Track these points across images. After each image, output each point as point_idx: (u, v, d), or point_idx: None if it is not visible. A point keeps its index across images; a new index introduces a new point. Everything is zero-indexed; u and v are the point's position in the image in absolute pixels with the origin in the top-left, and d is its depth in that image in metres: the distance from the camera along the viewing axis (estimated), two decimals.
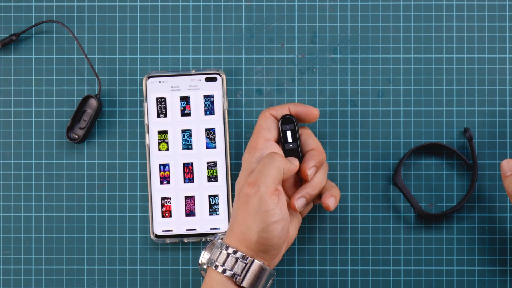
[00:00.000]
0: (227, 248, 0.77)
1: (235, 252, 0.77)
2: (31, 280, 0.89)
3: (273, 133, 0.82)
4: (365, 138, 0.89)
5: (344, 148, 0.89)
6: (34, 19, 0.90)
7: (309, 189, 0.81)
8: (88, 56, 0.90)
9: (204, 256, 0.81)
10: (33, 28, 0.90)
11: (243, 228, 0.77)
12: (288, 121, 0.82)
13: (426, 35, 0.90)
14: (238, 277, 0.77)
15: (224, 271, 0.77)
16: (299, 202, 0.80)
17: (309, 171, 0.81)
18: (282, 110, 0.83)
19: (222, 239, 0.81)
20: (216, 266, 0.77)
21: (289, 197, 0.83)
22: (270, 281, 0.79)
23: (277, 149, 0.82)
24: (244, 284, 0.77)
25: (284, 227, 0.77)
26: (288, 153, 0.82)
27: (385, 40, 0.90)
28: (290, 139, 0.82)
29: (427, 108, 0.89)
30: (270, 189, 0.76)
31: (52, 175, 0.90)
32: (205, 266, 0.80)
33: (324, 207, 0.81)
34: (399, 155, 0.89)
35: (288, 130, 0.82)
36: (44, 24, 0.90)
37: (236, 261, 0.77)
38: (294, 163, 0.81)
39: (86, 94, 0.90)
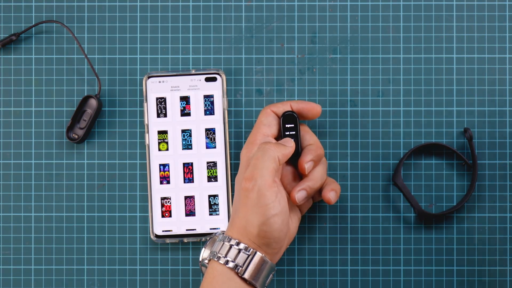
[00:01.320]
0: (229, 240, 0.77)
1: (237, 244, 0.77)
2: (31, 280, 0.89)
3: (272, 130, 0.82)
4: (365, 138, 0.89)
5: (344, 148, 0.89)
6: (34, 19, 0.90)
7: (310, 183, 0.81)
8: (88, 56, 0.90)
9: (204, 253, 0.81)
10: (33, 28, 0.90)
11: (244, 222, 0.77)
12: (289, 118, 0.82)
13: (426, 35, 0.90)
14: (240, 268, 0.77)
15: (226, 262, 0.77)
16: (299, 194, 0.81)
17: (307, 165, 0.81)
18: (284, 107, 0.83)
19: (223, 234, 0.81)
20: (219, 258, 0.77)
21: (288, 193, 0.83)
22: (271, 276, 0.79)
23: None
24: (246, 275, 0.77)
25: (284, 220, 0.77)
26: None
27: (385, 40, 0.90)
28: (290, 136, 0.83)
29: (427, 108, 0.89)
30: (268, 181, 0.76)
31: (52, 175, 0.90)
32: (206, 261, 0.80)
33: (325, 201, 0.81)
34: (399, 155, 0.89)
35: (289, 126, 0.82)
36: (44, 24, 0.90)
37: (239, 252, 0.77)
38: (289, 144, 0.80)
39: (86, 94, 0.90)
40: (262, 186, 0.76)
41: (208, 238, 0.88)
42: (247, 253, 0.77)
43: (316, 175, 0.82)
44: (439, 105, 0.89)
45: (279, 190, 0.78)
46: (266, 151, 0.78)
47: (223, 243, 0.78)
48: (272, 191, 0.77)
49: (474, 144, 0.89)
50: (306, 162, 0.81)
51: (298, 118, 0.82)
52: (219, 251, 0.78)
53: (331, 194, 0.81)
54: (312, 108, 0.83)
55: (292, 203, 0.82)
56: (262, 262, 0.77)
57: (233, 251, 0.77)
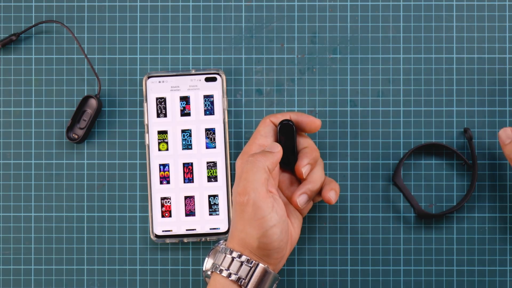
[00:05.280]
0: (231, 252, 0.77)
1: (239, 256, 0.77)
2: (31, 280, 0.89)
3: (269, 140, 0.82)
4: (365, 138, 0.89)
5: (344, 148, 0.89)
6: (34, 19, 0.90)
7: (310, 185, 0.81)
8: (88, 56, 0.90)
9: (207, 263, 0.81)
10: (33, 28, 0.90)
11: (243, 235, 0.77)
12: (286, 127, 0.82)
13: (426, 35, 0.90)
14: (243, 280, 0.77)
15: (229, 275, 0.77)
16: (301, 198, 0.80)
17: (304, 169, 0.81)
18: (283, 117, 0.83)
19: (224, 244, 0.81)
20: (221, 271, 0.77)
21: (288, 198, 0.83)
22: (275, 285, 0.79)
23: None
24: (249, 287, 0.77)
25: (283, 229, 0.77)
26: (284, 157, 0.82)
27: (385, 40, 0.90)
28: (287, 145, 0.82)
29: (427, 108, 0.89)
30: (261, 193, 0.76)
31: (52, 175, 0.90)
32: (209, 273, 0.80)
33: (326, 201, 0.81)
34: (399, 155, 0.89)
35: (286, 135, 0.82)
36: (44, 24, 0.90)
37: (241, 265, 0.77)
38: (275, 150, 0.79)
39: (86, 94, 0.90)
40: (256, 199, 0.76)
41: (208, 239, 0.88)
42: (249, 265, 0.77)
43: (315, 177, 0.81)
44: (439, 105, 0.89)
45: (274, 200, 0.77)
46: (255, 163, 0.77)
47: (225, 256, 0.78)
48: (268, 202, 0.76)
49: (474, 144, 0.89)
50: (302, 167, 0.81)
51: (295, 126, 0.82)
52: (221, 263, 0.77)
53: (331, 194, 0.81)
54: (311, 122, 0.82)
55: (291, 208, 0.82)
56: (264, 273, 0.77)
57: (235, 263, 0.77)
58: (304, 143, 0.83)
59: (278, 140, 0.82)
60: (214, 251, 0.82)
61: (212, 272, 0.79)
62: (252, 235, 0.76)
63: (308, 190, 0.81)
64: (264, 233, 0.76)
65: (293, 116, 0.83)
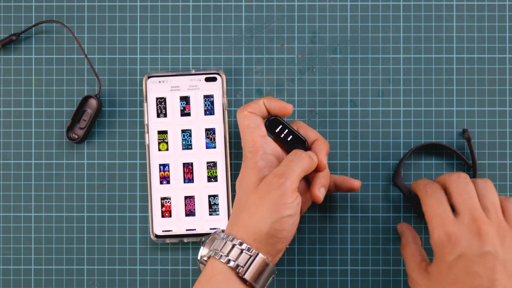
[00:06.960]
0: (232, 239, 0.77)
1: (240, 244, 0.77)
2: (31, 280, 0.89)
3: (262, 130, 0.82)
4: (365, 138, 0.89)
5: (344, 148, 0.89)
6: (34, 19, 0.90)
7: (325, 178, 0.82)
8: (88, 56, 0.90)
9: (203, 251, 0.81)
10: (33, 28, 0.90)
11: (254, 220, 0.77)
12: (274, 122, 0.82)
13: (426, 35, 0.90)
14: (241, 268, 0.77)
15: (228, 261, 0.77)
16: (321, 191, 0.81)
17: (325, 161, 0.82)
18: (258, 106, 0.82)
19: (223, 231, 0.81)
20: (220, 256, 0.77)
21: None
22: (271, 279, 0.79)
23: (274, 144, 0.82)
24: (246, 276, 0.77)
25: (295, 222, 0.78)
26: (292, 146, 0.82)
27: (385, 40, 0.90)
28: (287, 135, 0.82)
29: (427, 108, 0.89)
30: (294, 184, 0.78)
31: (52, 175, 0.90)
32: (205, 258, 0.80)
33: (351, 190, 0.85)
34: (399, 155, 0.89)
35: (279, 129, 0.82)
36: (44, 24, 0.90)
37: (241, 252, 0.77)
38: (315, 159, 0.82)
39: (86, 94, 0.90)
40: (288, 186, 0.77)
41: (206, 237, 0.88)
42: (249, 253, 0.77)
43: (327, 169, 0.83)
44: (439, 105, 0.89)
45: (298, 195, 0.79)
46: (301, 159, 0.79)
47: (226, 242, 0.78)
48: (294, 194, 0.78)
49: (473, 144, 0.89)
50: (324, 158, 0.82)
51: (281, 118, 0.82)
52: (221, 249, 0.77)
53: (356, 183, 0.84)
54: (283, 108, 0.82)
55: None
56: (264, 264, 0.77)
57: (236, 250, 0.77)
58: (313, 135, 0.83)
59: (275, 136, 0.82)
60: (211, 239, 0.81)
61: (209, 257, 0.78)
62: (266, 219, 0.77)
63: (327, 182, 0.82)
64: (279, 219, 0.77)
65: (266, 102, 0.82)
